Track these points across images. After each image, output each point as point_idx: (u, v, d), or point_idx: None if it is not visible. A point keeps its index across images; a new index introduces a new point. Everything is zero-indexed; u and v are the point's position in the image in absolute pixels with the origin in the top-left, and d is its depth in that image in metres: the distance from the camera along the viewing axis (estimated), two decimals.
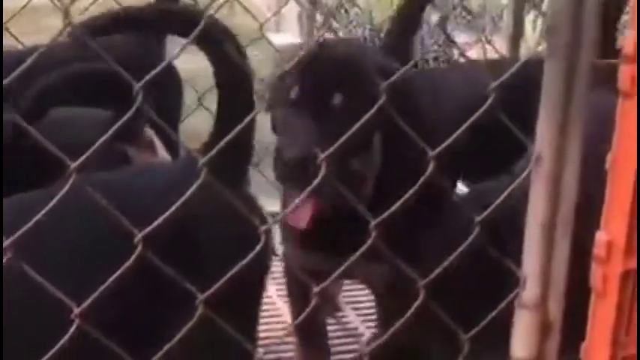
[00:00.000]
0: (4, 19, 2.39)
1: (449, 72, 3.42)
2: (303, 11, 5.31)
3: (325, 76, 2.06)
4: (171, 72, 2.85)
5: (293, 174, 1.97)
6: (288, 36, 3.92)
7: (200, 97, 2.32)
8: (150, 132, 2.43)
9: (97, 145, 1.26)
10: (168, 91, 2.84)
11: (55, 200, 1.28)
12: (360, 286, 3.00)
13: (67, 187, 1.25)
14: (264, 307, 2.03)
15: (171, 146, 2.65)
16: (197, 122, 2.99)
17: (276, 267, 2.25)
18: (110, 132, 1.28)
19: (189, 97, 3.01)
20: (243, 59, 1.72)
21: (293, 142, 1.99)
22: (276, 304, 2.89)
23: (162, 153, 2.53)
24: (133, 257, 1.35)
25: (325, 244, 2.15)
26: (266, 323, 2.59)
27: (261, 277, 1.84)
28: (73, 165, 1.24)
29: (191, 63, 2.69)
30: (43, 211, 1.29)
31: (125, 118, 1.28)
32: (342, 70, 2.07)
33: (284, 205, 2.28)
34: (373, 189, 2.16)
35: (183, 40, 1.51)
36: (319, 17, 4.48)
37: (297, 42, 3.51)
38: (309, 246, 2.21)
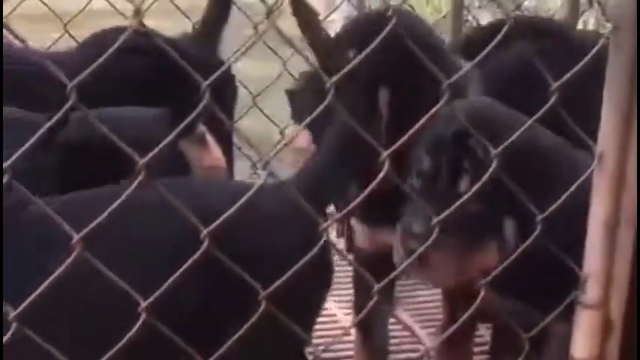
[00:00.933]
0: (62, 22, 2.44)
1: None
2: (351, 14, 5.34)
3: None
4: (227, 73, 2.87)
5: None
6: None
7: (254, 98, 2.34)
8: (202, 127, 2.45)
9: (165, 142, 1.28)
10: (223, 91, 2.85)
11: (123, 197, 1.30)
12: (416, 286, 3.01)
13: (135, 183, 1.27)
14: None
15: (226, 146, 2.67)
16: (249, 123, 3.02)
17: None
18: (178, 130, 1.30)
19: (241, 99, 3.02)
20: None
21: None
22: (333, 312, 2.91)
23: (217, 153, 2.55)
24: (199, 253, 1.36)
25: (384, 217, 2.21)
26: (321, 323, 2.60)
27: (322, 289, 1.82)
28: (142, 161, 1.26)
29: (245, 66, 2.71)
30: (111, 208, 1.31)
31: (193, 115, 1.29)
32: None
33: None
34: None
35: (237, 43, 1.52)
36: None
37: None
38: (368, 218, 2.32)
